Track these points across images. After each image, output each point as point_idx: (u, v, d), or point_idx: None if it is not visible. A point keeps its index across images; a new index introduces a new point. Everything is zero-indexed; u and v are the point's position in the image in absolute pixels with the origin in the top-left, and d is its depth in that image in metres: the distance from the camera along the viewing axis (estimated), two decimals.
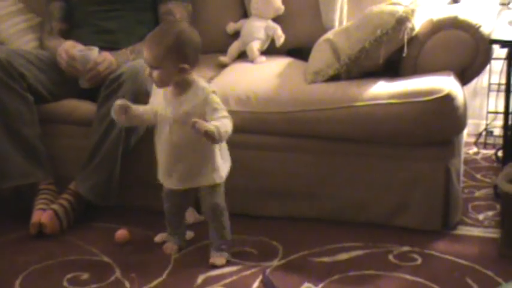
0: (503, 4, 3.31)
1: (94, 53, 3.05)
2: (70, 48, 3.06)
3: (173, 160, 2.67)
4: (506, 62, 3.08)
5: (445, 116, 2.83)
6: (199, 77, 2.66)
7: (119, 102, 2.59)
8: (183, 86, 2.59)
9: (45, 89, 3.10)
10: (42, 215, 2.88)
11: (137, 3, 3.32)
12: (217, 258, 2.69)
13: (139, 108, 2.63)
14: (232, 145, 2.75)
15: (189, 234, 2.87)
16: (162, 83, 2.59)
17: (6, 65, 2.96)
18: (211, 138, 2.46)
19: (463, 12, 3.04)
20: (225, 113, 2.56)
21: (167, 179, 2.71)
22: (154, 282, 2.57)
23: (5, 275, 2.63)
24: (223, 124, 2.49)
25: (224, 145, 2.68)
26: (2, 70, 2.95)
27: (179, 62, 2.52)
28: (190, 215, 2.92)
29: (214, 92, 2.61)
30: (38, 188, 3.02)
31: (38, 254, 2.77)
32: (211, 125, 2.45)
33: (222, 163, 2.67)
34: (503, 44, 2.96)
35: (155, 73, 2.54)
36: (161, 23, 3.15)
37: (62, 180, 3.05)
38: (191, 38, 2.58)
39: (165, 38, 2.53)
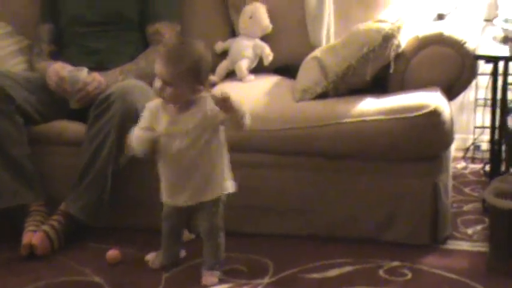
0: (487, 20, 3.34)
1: (83, 73, 3.04)
2: (59, 69, 3.06)
3: (185, 175, 2.65)
4: (491, 77, 3.09)
5: (433, 131, 2.84)
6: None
7: (149, 135, 2.57)
8: (189, 103, 2.58)
9: (35, 110, 3.09)
10: (33, 236, 2.87)
11: (125, 24, 3.33)
12: (209, 277, 2.68)
13: (147, 135, 2.60)
14: None
15: (181, 253, 2.86)
16: (174, 101, 2.57)
17: None
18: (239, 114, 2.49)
19: (448, 29, 3.07)
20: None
21: (176, 196, 2.68)
22: None
23: None
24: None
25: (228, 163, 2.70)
26: None
27: (195, 83, 2.54)
28: (185, 234, 2.91)
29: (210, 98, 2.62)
30: (28, 209, 3.01)
31: (29, 276, 2.75)
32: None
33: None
34: (488, 59, 2.99)
35: (169, 90, 2.52)
36: (176, 40, 3.13)
37: (52, 201, 3.03)
38: (208, 61, 2.60)
39: (185, 58, 2.53)
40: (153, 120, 2.62)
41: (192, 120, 2.58)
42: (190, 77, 2.53)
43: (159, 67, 2.55)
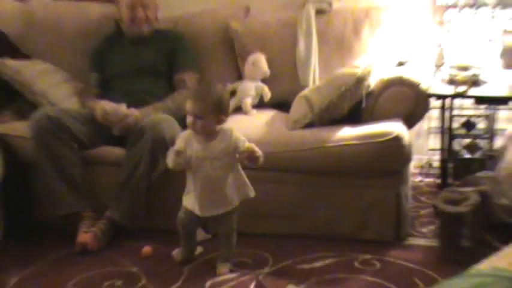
0: (437, 66, 3.31)
1: (123, 108, 3.07)
2: (104, 106, 3.09)
3: (213, 191, 2.63)
4: (440, 110, 3.07)
5: (395, 152, 2.84)
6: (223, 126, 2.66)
7: (176, 148, 2.57)
8: (215, 133, 2.60)
9: (85, 138, 3.08)
10: (85, 236, 2.90)
11: (156, 74, 3.31)
12: (223, 268, 2.68)
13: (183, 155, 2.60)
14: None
15: (199, 250, 2.85)
16: (204, 131, 2.57)
17: (56, 120, 2.98)
18: (260, 159, 2.55)
19: (407, 73, 3.05)
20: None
21: (205, 209, 2.65)
22: (174, 286, 2.59)
23: (57, 284, 2.64)
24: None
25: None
26: (52, 125, 2.97)
27: (220, 114, 2.56)
28: (199, 234, 2.87)
29: (233, 129, 2.64)
30: (81, 215, 3.01)
31: (83, 267, 2.78)
32: (259, 151, 2.55)
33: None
34: (438, 97, 2.99)
35: (200, 122, 2.53)
36: (199, 84, 3.16)
37: (99, 209, 3.04)
38: (227, 97, 2.65)
39: (210, 95, 2.55)
40: (185, 144, 2.59)
41: (219, 147, 2.58)
42: (215, 109, 2.54)
43: (190, 104, 2.55)
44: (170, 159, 2.57)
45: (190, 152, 2.59)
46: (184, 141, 2.60)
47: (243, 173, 2.68)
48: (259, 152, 2.55)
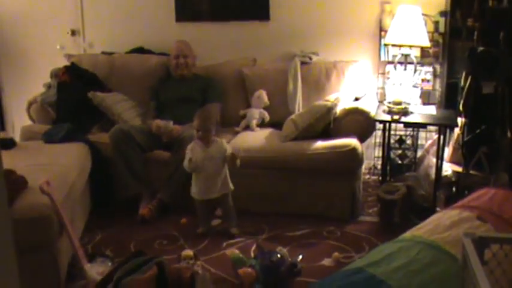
0: (380, 101, 3.30)
1: (170, 124, 3.06)
2: (158, 122, 3.08)
3: (213, 181, 2.63)
4: (382, 131, 3.02)
5: (352, 158, 2.85)
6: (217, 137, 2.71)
7: (188, 158, 2.57)
8: (211, 142, 2.62)
9: (145, 145, 3.05)
10: (144, 210, 2.90)
11: (194, 102, 3.23)
12: (235, 230, 2.71)
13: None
14: (242, 174, 2.75)
15: (217, 221, 2.82)
16: (207, 140, 2.61)
17: (127, 133, 2.99)
18: (236, 158, 2.58)
19: (361, 105, 3.06)
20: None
21: (209, 193, 2.65)
22: (202, 245, 2.62)
23: (125, 241, 2.69)
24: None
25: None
26: (124, 135, 2.98)
27: (214, 129, 2.63)
28: (214, 220, 2.85)
29: (223, 140, 2.70)
30: (141, 196, 3.01)
31: (141, 231, 2.79)
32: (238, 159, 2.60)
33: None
34: (380, 121, 2.98)
35: (203, 134, 2.60)
36: (204, 107, 3.01)
37: (154, 192, 3.01)
38: (217, 119, 2.69)
39: (213, 115, 2.62)
40: (191, 151, 2.62)
41: (215, 151, 2.60)
42: (213, 125, 2.60)
43: (198, 123, 2.61)
44: (186, 165, 2.62)
45: (195, 155, 2.60)
46: (191, 150, 2.63)
47: (227, 172, 2.68)
48: (238, 160, 2.60)
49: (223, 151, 2.64)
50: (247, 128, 3.36)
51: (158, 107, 3.36)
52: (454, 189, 2.91)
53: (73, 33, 3.92)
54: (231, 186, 2.70)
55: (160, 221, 2.92)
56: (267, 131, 3.26)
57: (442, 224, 1.77)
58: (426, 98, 3.41)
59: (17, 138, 3.26)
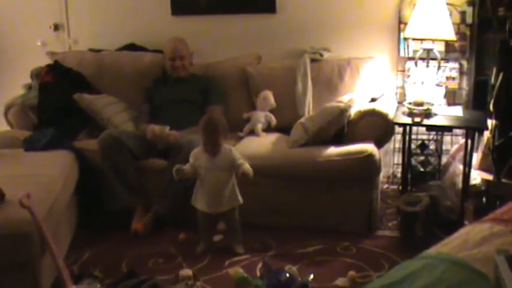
0: (399, 102, 3.29)
1: (166, 129, 3.06)
2: (153, 127, 3.08)
3: (219, 192, 2.62)
4: (402, 135, 3.04)
5: (369, 166, 2.84)
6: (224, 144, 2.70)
7: (176, 167, 2.59)
8: (219, 151, 2.62)
9: (138, 152, 3.05)
10: (137, 224, 2.92)
11: (191, 105, 3.28)
12: (239, 248, 2.71)
13: (187, 168, 2.62)
14: (246, 184, 2.71)
15: (219, 237, 2.81)
16: (217, 150, 2.61)
17: (117, 139, 2.99)
18: (251, 176, 2.58)
19: (378, 106, 3.07)
20: (242, 160, 2.65)
21: (217, 206, 2.64)
22: (202, 263, 2.62)
23: (117, 259, 2.69)
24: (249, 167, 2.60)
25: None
26: (114, 142, 2.98)
27: (224, 137, 2.63)
28: (216, 236, 2.84)
29: (232, 148, 2.69)
30: (135, 209, 3.01)
31: (134, 247, 2.80)
32: (250, 169, 2.59)
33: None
34: (400, 125, 2.98)
35: (215, 145, 2.59)
36: (207, 115, 2.92)
37: (148, 204, 3.02)
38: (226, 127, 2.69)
39: (219, 124, 2.61)
40: (195, 158, 2.63)
41: (222, 161, 2.60)
42: (222, 136, 2.60)
43: (203, 136, 2.60)
44: (185, 169, 2.62)
45: (199, 164, 2.61)
46: (195, 157, 2.64)
47: (236, 184, 2.68)
48: (250, 173, 2.60)
49: (231, 160, 2.64)
50: (252, 133, 3.36)
51: (152, 110, 3.37)
52: (484, 199, 2.91)
53: (56, 27, 3.91)
54: (240, 199, 2.70)
55: (155, 236, 2.93)
56: (273, 136, 3.27)
57: (471, 240, 1.75)
58: (451, 97, 3.41)
59: None
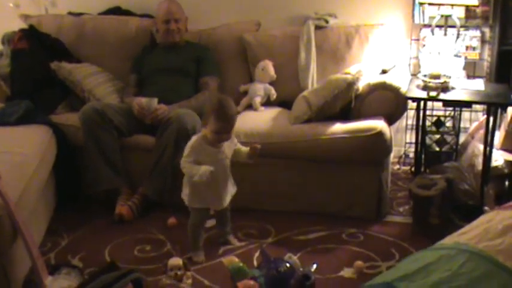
0: (413, 75, 3.30)
1: (154, 102, 3.05)
2: (140, 100, 3.07)
3: (225, 183, 2.55)
4: (415, 111, 3.07)
5: (378, 145, 2.85)
6: None
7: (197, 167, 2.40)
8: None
9: (124, 128, 3.06)
10: (122, 208, 2.91)
11: (185, 75, 3.27)
12: (234, 239, 2.70)
13: (205, 172, 2.37)
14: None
15: (211, 223, 2.75)
16: (228, 138, 2.47)
17: (101, 113, 2.99)
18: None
19: (389, 79, 3.05)
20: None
21: (220, 202, 2.54)
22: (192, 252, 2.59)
23: (98, 246, 2.68)
24: None
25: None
26: (98, 116, 2.98)
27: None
28: (208, 222, 2.74)
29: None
30: (119, 191, 3.02)
31: (119, 233, 2.80)
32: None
33: None
34: (414, 100, 2.98)
35: (226, 136, 2.42)
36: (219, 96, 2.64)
37: (134, 186, 3.04)
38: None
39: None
40: (196, 153, 2.44)
41: (227, 147, 2.51)
42: (233, 126, 2.46)
43: (221, 124, 2.38)
44: (195, 175, 2.40)
45: (204, 160, 2.44)
46: (195, 153, 2.45)
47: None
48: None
49: (234, 142, 2.58)
50: (249, 107, 3.37)
51: (140, 81, 3.37)
52: (506, 183, 2.91)
53: None
54: (235, 188, 2.66)
55: (142, 221, 2.94)
56: (273, 111, 3.27)
57: (493, 228, 1.74)
58: (471, 69, 3.42)
59: None
